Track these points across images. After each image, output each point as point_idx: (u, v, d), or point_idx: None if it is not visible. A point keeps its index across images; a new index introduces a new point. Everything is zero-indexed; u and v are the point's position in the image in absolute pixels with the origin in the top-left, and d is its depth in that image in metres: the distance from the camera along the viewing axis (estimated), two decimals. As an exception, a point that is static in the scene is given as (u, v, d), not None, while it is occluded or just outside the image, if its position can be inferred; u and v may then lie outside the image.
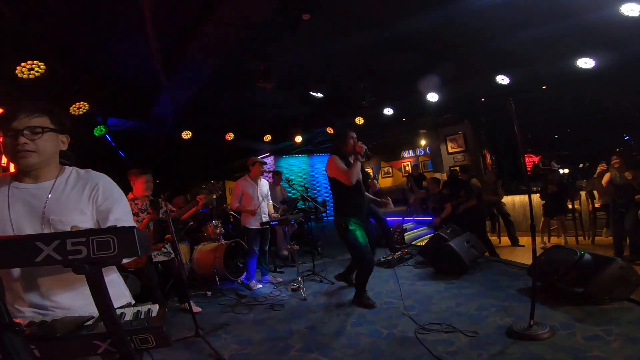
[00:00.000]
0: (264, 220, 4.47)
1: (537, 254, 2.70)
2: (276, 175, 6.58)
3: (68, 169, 1.32)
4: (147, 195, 3.48)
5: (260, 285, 4.37)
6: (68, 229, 1.16)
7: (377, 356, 2.46)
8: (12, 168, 1.30)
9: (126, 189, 3.50)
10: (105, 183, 1.33)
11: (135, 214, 3.38)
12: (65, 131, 1.32)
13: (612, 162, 4.44)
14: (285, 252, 6.01)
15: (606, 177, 4.48)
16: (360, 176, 3.42)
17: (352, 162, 3.37)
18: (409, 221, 7.28)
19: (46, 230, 1.19)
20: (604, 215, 5.37)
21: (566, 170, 8.24)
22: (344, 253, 6.06)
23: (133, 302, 1.42)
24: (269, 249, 4.84)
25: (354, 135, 3.43)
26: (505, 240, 5.94)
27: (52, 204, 1.23)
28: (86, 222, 1.26)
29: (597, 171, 4.58)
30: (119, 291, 1.38)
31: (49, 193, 1.24)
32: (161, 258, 3.56)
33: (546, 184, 5.56)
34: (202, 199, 3.87)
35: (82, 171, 1.34)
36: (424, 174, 9.59)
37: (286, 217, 4.64)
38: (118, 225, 1.23)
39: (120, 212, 1.32)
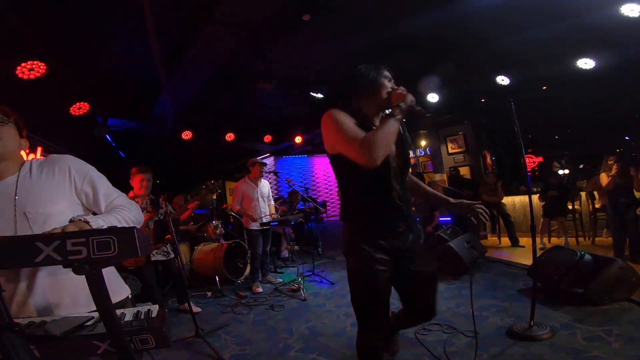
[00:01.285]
0: (265, 220, 4.47)
1: (537, 255, 2.70)
2: (294, 196, 6.49)
3: (27, 161, 1.30)
4: (148, 194, 3.49)
5: (260, 289, 4.37)
6: (49, 219, 1.16)
7: (377, 356, 2.45)
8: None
9: (127, 188, 3.51)
10: (75, 163, 1.31)
11: None
12: (22, 137, 1.32)
13: (607, 162, 4.42)
14: (286, 253, 6.01)
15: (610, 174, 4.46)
16: (394, 151, 1.64)
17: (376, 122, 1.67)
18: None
19: (22, 226, 1.15)
20: (604, 216, 5.37)
21: (566, 171, 8.24)
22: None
23: (131, 295, 1.42)
24: (269, 249, 4.84)
25: (389, 74, 1.69)
26: (505, 240, 5.94)
27: (24, 197, 1.18)
28: (67, 208, 1.24)
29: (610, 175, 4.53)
30: (117, 285, 1.38)
31: (16, 187, 1.19)
32: (159, 257, 3.56)
33: (546, 186, 5.56)
34: (192, 207, 3.86)
35: (42, 158, 1.32)
36: (422, 174, 9.58)
37: (286, 218, 4.65)
38: (110, 200, 1.29)
39: (104, 186, 1.33)
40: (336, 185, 5.78)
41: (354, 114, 1.60)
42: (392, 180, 1.62)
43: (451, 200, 1.85)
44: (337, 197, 9.84)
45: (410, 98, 1.57)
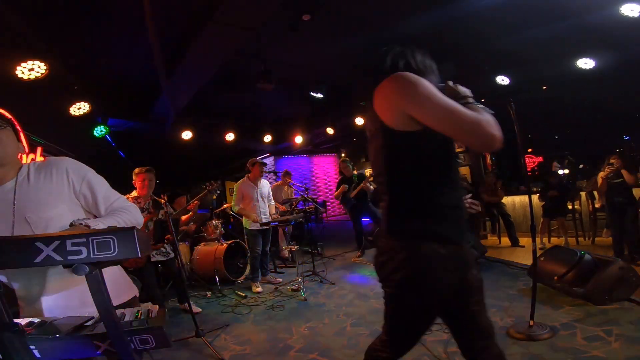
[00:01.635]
0: (264, 220, 4.47)
1: (537, 255, 2.70)
2: (285, 176, 6.53)
3: (25, 165, 1.29)
4: (150, 194, 3.50)
5: (260, 289, 4.37)
6: (50, 223, 1.17)
7: None
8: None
9: (128, 188, 3.52)
10: (72, 165, 1.30)
11: None
12: (19, 140, 1.32)
13: (610, 161, 4.43)
14: (286, 253, 6.01)
15: (602, 175, 4.47)
16: None
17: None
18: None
19: (23, 232, 1.15)
20: (604, 216, 5.37)
21: (566, 171, 8.24)
22: (344, 253, 6.08)
23: (137, 294, 1.45)
24: (269, 249, 4.84)
25: None
26: (505, 240, 5.94)
27: (23, 203, 1.17)
28: (67, 211, 1.23)
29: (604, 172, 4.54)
30: (126, 285, 1.40)
31: (14, 192, 1.19)
32: (159, 258, 3.56)
33: (546, 186, 5.56)
34: (193, 207, 3.88)
35: (39, 162, 1.31)
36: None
37: (286, 218, 4.64)
38: (110, 203, 1.31)
39: (103, 188, 1.32)
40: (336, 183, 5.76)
41: None
42: (457, 172, 1.32)
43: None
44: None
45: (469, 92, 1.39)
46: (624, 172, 4.15)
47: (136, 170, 3.48)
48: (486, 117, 1.17)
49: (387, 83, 1.19)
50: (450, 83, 1.34)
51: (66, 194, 1.25)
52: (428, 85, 1.15)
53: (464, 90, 1.32)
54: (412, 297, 1.23)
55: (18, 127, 1.32)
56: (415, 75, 1.17)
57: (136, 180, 3.48)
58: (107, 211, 1.30)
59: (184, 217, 4.17)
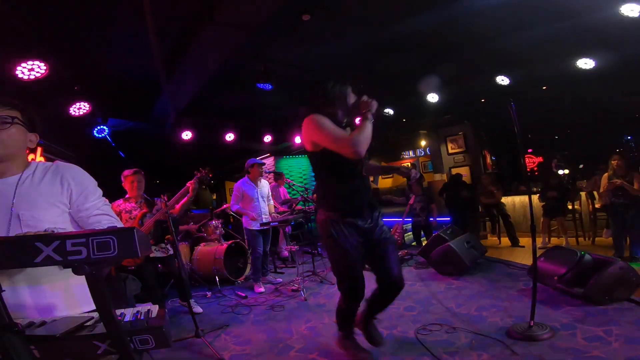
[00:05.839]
0: (265, 221, 4.46)
1: (538, 255, 2.70)
2: (279, 178, 6.56)
3: (33, 163, 1.28)
4: (141, 194, 3.54)
5: (262, 288, 4.37)
6: (41, 225, 1.16)
7: (377, 356, 2.45)
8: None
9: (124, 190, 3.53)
10: (77, 174, 1.30)
11: (128, 212, 3.43)
12: (35, 130, 1.30)
13: (611, 162, 4.43)
14: (286, 253, 6.01)
15: (604, 178, 4.47)
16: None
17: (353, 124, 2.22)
18: (409, 222, 7.27)
19: (14, 227, 1.15)
20: (604, 216, 5.37)
21: (566, 171, 8.24)
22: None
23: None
24: (269, 249, 4.84)
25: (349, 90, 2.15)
26: (505, 240, 5.94)
27: (22, 200, 1.17)
28: (60, 215, 1.24)
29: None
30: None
31: (16, 188, 1.18)
32: (158, 254, 3.56)
33: (546, 186, 5.56)
34: (192, 184, 3.78)
35: (49, 164, 1.30)
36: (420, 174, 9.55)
37: (286, 218, 4.64)
38: (95, 212, 1.28)
39: (95, 199, 1.31)
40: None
41: (327, 117, 2.03)
42: (357, 169, 2.16)
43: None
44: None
45: (375, 105, 2.04)
46: (635, 181, 4.15)
47: (125, 173, 3.54)
48: (353, 138, 1.92)
49: (306, 122, 2.17)
50: (367, 99, 2.06)
51: (65, 201, 1.25)
52: (317, 121, 2.05)
53: (369, 106, 2.04)
54: (324, 241, 2.28)
55: (33, 117, 1.28)
56: (315, 117, 2.07)
57: (125, 183, 3.54)
58: (84, 221, 1.29)
59: (176, 209, 4.05)
